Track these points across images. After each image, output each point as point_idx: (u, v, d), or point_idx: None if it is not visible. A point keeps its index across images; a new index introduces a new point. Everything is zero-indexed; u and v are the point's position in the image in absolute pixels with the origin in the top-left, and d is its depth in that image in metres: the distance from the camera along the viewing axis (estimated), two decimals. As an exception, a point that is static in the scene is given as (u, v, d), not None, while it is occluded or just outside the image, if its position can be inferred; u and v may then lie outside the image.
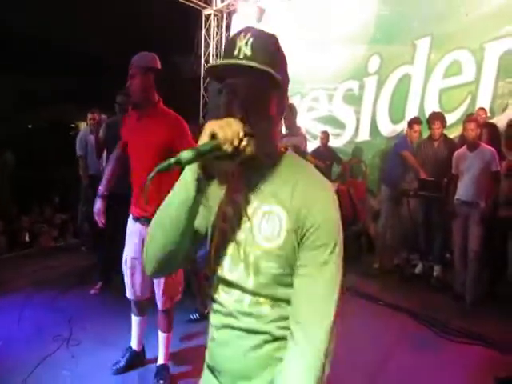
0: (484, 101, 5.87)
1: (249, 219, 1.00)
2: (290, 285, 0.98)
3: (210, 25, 9.56)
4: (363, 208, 6.28)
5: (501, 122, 5.18)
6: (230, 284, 1.02)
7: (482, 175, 4.25)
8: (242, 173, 1.01)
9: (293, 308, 0.97)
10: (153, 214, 1.07)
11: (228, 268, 1.02)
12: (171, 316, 2.85)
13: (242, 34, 0.95)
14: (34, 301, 4.02)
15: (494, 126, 4.94)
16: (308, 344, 0.93)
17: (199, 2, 9.27)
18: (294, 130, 5.58)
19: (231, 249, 1.01)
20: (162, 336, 2.85)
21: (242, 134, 0.89)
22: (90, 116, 5.27)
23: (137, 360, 3.00)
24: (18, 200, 7.35)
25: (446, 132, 5.31)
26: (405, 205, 5.40)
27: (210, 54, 9.53)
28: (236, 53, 0.93)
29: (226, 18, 9.65)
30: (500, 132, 4.83)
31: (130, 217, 2.73)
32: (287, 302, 0.99)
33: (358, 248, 5.87)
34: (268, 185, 1.00)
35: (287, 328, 0.98)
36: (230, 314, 1.01)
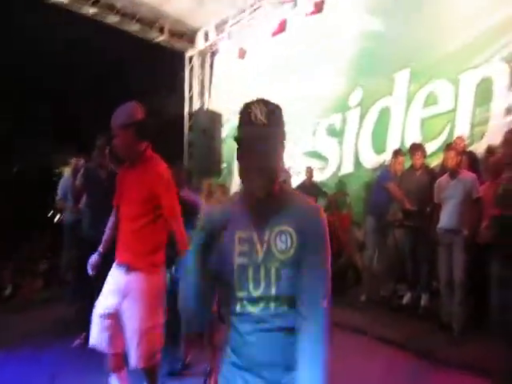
0: (463, 129, 5.94)
1: (266, 242, 1.30)
2: (289, 282, 1.30)
3: (193, 65, 9.75)
4: (349, 240, 6.21)
5: (480, 148, 5.23)
6: (255, 299, 1.31)
7: (464, 202, 4.23)
8: (255, 210, 1.33)
9: (302, 296, 1.30)
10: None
11: (252, 288, 1.31)
12: (153, 374, 2.66)
13: (255, 104, 1.25)
14: (17, 355, 3.87)
15: (473, 154, 4.97)
16: (315, 320, 1.29)
17: (183, 43, 9.48)
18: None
19: (251, 274, 1.31)
20: None
21: None
22: (73, 162, 5.27)
23: None
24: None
25: (428, 160, 5.35)
26: (390, 235, 5.35)
27: (194, 93, 9.67)
28: (253, 119, 1.22)
29: (210, 58, 9.86)
30: (479, 158, 4.86)
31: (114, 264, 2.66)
32: (289, 296, 1.31)
33: (344, 281, 5.76)
34: (276, 215, 1.32)
35: (289, 317, 1.30)
36: (260, 320, 1.30)
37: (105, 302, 2.57)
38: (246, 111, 1.25)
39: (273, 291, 1.30)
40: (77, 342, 4.17)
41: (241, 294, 1.32)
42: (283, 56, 8.39)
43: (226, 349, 1.41)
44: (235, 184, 9.25)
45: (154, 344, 2.56)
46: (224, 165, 8.31)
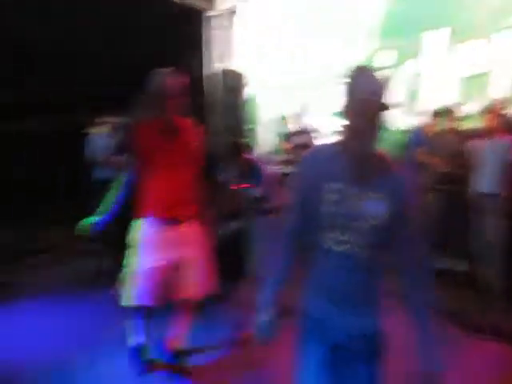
0: (499, 91, 5.73)
1: (360, 204, 1.45)
2: (378, 238, 1.48)
3: (211, 26, 9.52)
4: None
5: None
6: (342, 241, 1.48)
7: (500, 165, 4.14)
8: (354, 168, 1.46)
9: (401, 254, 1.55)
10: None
11: (340, 234, 1.47)
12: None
13: (371, 74, 1.43)
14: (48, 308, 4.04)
15: (508, 117, 4.83)
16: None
17: (201, 3, 9.23)
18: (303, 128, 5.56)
19: (340, 222, 1.46)
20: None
21: None
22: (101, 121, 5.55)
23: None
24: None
25: (463, 123, 5.25)
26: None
27: (212, 55, 9.48)
28: (374, 89, 1.40)
29: (228, 19, 9.62)
30: None
31: (147, 221, 2.73)
32: (376, 247, 1.48)
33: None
34: (372, 179, 1.47)
35: (372, 261, 1.50)
36: (345, 257, 1.48)
37: (160, 257, 2.69)
38: (367, 80, 1.42)
39: (360, 240, 1.47)
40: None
41: (328, 235, 1.50)
42: (308, 15, 8.13)
43: (310, 284, 1.60)
44: (261, 142, 9.15)
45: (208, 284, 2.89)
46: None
